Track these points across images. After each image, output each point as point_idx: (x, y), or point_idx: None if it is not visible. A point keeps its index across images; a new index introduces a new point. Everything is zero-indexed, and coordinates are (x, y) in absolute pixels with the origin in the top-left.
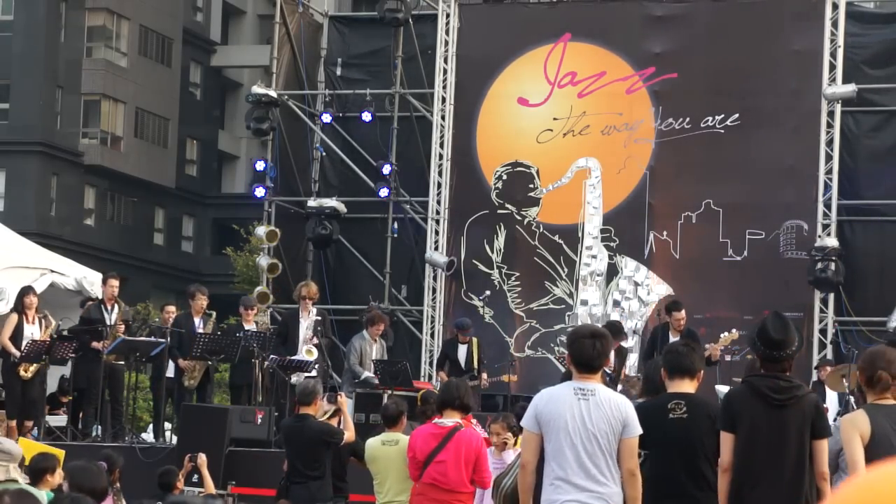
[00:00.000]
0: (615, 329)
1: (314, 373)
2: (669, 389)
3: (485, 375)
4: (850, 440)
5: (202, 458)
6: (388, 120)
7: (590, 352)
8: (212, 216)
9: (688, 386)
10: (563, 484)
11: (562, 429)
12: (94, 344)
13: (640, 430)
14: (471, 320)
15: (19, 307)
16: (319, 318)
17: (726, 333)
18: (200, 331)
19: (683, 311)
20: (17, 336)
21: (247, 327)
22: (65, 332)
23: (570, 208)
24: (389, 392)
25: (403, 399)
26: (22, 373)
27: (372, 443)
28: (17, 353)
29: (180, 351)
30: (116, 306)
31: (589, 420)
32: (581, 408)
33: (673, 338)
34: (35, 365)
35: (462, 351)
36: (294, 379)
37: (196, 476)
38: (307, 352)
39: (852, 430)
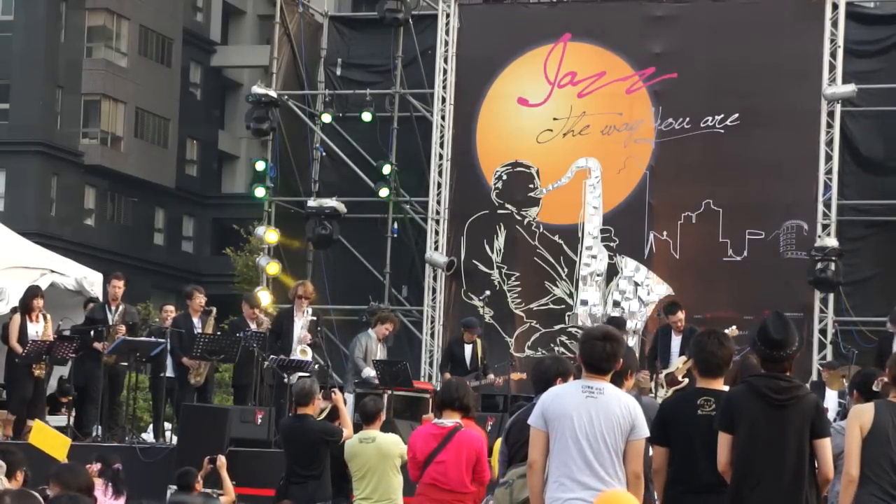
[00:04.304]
0: (618, 324)
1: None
2: (699, 385)
3: (497, 378)
4: (851, 431)
5: (222, 460)
6: (388, 120)
7: (600, 353)
8: (212, 216)
9: (718, 383)
10: (567, 482)
11: (568, 427)
12: (96, 344)
13: (647, 433)
14: (478, 320)
15: (25, 307)
16: (315, 318)
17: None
18: (199, 330)
19: (679, 313)
20: (21, 335)
21: (251, 325)
22: (65, 332)
23: (570, 208)
24: (389, 392)
25: (403, 399)
26: (37, 372)
27: (350, 441)
28: (20, 350)
29: (182, 350)
30: (121, 306)
31: (596, 419)
32: (588, 406)
33: (675, 337)
34: (43, 363)
35: (468, 350)
36: (289, 378)
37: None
38: (301, 351)
39: (854, 421)
